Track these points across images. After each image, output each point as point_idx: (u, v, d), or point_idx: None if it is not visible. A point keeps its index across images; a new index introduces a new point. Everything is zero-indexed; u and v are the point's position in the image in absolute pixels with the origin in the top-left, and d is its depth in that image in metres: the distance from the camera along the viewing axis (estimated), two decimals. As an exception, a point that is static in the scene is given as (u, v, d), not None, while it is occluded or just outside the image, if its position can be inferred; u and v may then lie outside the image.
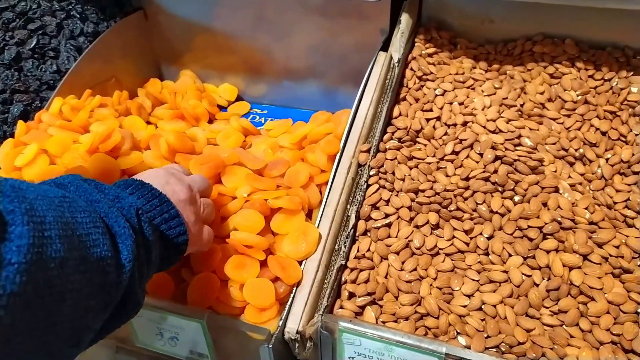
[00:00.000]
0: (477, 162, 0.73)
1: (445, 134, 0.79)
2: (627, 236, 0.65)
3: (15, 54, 0.98)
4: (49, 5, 1.05)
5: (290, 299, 0.65)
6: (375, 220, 0.72)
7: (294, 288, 0.66)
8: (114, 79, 1.04)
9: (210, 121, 1.05)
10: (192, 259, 0.68)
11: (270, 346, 0.61)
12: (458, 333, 0.60)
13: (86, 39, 1.03)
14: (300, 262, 0.68)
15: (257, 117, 1.12)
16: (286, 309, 0.64)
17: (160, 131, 0.85)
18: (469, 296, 0.63)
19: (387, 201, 0.73)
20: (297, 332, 0.63)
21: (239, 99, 1.16)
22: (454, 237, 0.68)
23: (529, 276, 0.63)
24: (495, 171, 0.71)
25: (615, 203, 0.70)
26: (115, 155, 0.76)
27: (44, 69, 0.99)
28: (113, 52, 1.04)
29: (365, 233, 0.72)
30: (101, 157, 0.74)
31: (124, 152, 0.76)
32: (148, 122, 0.99)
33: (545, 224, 0.66)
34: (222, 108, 1.13)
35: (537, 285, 0.63)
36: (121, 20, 1.06)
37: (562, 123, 0.80)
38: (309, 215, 0.75)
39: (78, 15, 1.04)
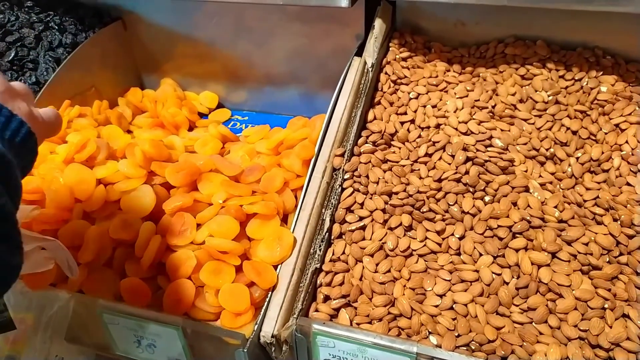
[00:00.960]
0: (450, 164, 0.74)
1: (419, 136, 0.80)
2: (596, 233, 0.67)
3: (-6, 66, 0.99)
4: (27, 17, 1.05)
5: (266, 303, 0.66)
6: (350, 223, 0.72)
7: (270, 292, 0.67)
8: (93, 89, 1.04)
9: (191, 129, 1.05)
10: (167, 265, 0.69)
11: (245, 350, 0.62)
12: (430, 333, 0.61)
13: (65, 50, 1.03)
14: (275, 267, 0.69)
15: (238, 124, 1.12)
16: (261, 313, 0.65)
17: (136, 140, 0.85)
18: (440, 296, 0.64)
19: (362, 204, 0.74)
20: (273, 336, 0.63)
21: (220, 106, 1.17)
22: (426, 238, 0.69)
23: (499, 275, 0.64)
24: (467, 172, 0.72)
25: (585, 201, 0.71)
26: (91, 164, 0.76)
27: (23, 80, 1.00)
28: (92, 62, 1.05)
29: (340, 236, 0.73)
30: (77, 167, 0.74)
31: (99, 161, 0.77)
32: (129, 131, 0.99)
33: (515, 223, 0.67)
34: (204, 115, 1.13)
35: (507, 283, 0.64)
36: (99, 30, 1.06)
37: (533, 123, 0.81)
38: (285, 220, 0.76)
39: (56, 27, 1.05)
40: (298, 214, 0.73)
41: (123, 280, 0.69)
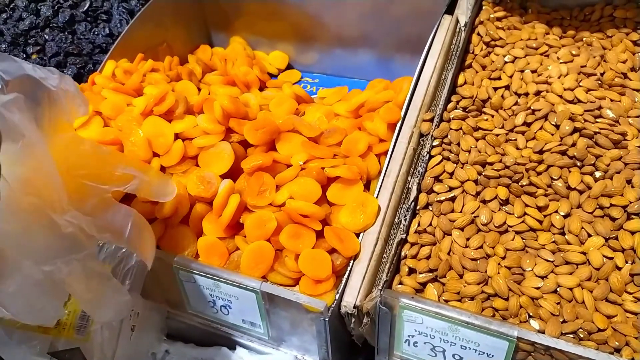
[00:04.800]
0: (553, 135, 0.67)
1: (516, 103, 0.73)
2: None
3: (69, 16, 0.98)
4: (101, -33, 1.03)
5: (348, 272, 0.62)
6: (438, 193, 0.67)
7: (352, 261, 0.63)
8: (165, 44, 1.02)
9: (261, 89, 1.02)
10: (246, 226, 0.66)
11: (327, 319, 0.59)
12: (530, 316, 0.56)
13: (138, 2, 1.01)
14: (357, 235, 0.65)
15: (309, 86, 1.08)
16: (343, 282, 0.62)
17: (213, 95, 0.82)
18: (542, 277, 0.58)
19: (451, 174, 0.69)
20: (355, 307, 0.60)
21: (289, 67, 1.13)
22: (525, 214, 0.63)
23: (611, 258, 0.58)
24: (574, 144, 0.65)
25: None
26: (169, 118, 0.74)
27: (97, 32, 0.98)
28: (164, 16, 1.02)
29: (426, 207, 0.68)
30: (155, 120, 0.72)
31: (177, 115, 0.74)
32: (199, 89, 0.97)
33: (630, 202, 0.60)
34: (273, 76, 1.09)
35: (620, 268, 0.57)
36: (173, -17, 1.03)
37: (647, 94, 0.72)
38: (367, 186, 0.71)
39: (130, -22, 1.03)
40: (382, 181, 0.68)
41: (200, 238, 0.67)
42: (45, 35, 0.96)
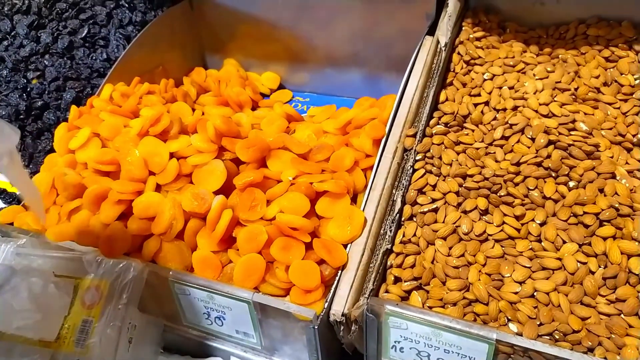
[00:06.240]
0: (529, 147, 0.71)
1: (494, 118, 0.77)
2: (691, 225, 0.62)
3: (68, 43, 1.02)
4: (99, -4, 1.08)
5: (336, 282, 0.65)
6: (422, 205, 0.70)
7: (340, 271, 0.66)
8: (161, 67, 1.06)
9: (254, 108, 1.05)
10: (238, 240, 0.69)
11: (316, 327, 0.61)
12: (509, 320, 0.59)
13: (134, 28, 1.05)
14: (345, 246, 0.68)
15: (300, 105, 1.12)
16: (331, 291, 0.64)
17: (206, 116, 0.86)
18: (520, 283, 0.61)
19: (434, 186, 0.72)
20: (343, 315, 0.62)
21: (281, 87, 1.17)
22: (504, 222, 0.66)
23: (585, 263, 0.61)
24: (549, 156, 0.69)
25: (677, 190, 0.66)
26: (164, 138, 0.77)
27: (95, 57, 1.02)
28: (160, 41, 1.06)
29: (411, 218, 0.71)
30: (151, 140, 0.75)
31: (172, 135, 0.78)
32: (193, 110, 1.00)
33: (602, 210, 0.63)
34: (265, 96, 1.13)
35: (593, 273, 0.60)
36: (168, 9, 1.08)
37: (618, 108, 0.76)
38: (354, 200, 0.74)
39: (127, 5, 1.07)
40: (368, 194, 0.72)
41: (195, 252, 0.70)
42: (45, 61, 1.00)
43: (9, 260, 0.70)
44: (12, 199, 0.89)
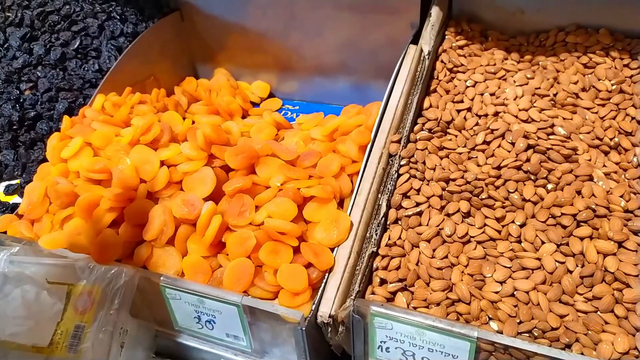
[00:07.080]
0: (509, 152, 0.73)
1: (476, 124, 0.79)
2: (665, 224, 0.64)
3: (60, 54, 1.04)
4: (90, 8, 1.10)
5: (323, 285, 0.67)
6: (406, 208, 0.72)
7: (327, 274, 0.68)
8: (152, 78, 1.08)
9: (244, 117, 1.07)
10: (227, 245, 0.70)
11: (304, 329, 0.63)
12: (490, 318, 0.61)
13: (126, 39, 1.07)
14: (332, 249, 0.70)
15: (289, 113, 1.14)
16: (319, 293, 0.66)
17: (197, 124, 0.88)
18: (501, 283, 0.63)
19: (418, 190, 0.74)
20: (330, 316, 0.64)
21: (271, 95, 1.19)
22: (485, 225, 0.68)
23: (563, 263, 0.63)
24: (528, 160, 0.71)
25: (652, 192, 0.69)
26: (155, 147, 0.79)
27: (87, 68, 1.04)
28: (151, 51, 1.08)
29: (396, 221, 0.73)
30: (142, 149, 0.77)
31: (163, 143, 0.79)
32: (184, 119, 1.02)
33: (579, 211, 0.65)
34: (255, 104, 1.16)
35: (571, 272, 0.62)
36: (159, 20, 1.10)
37: (596, 112, 0.79)
38: (341, 205, 0.76)
39: (118, 17, 1.09)
40: (354, 199, 0.74)
41: (185, 257, 0.71)
42: (37, 73, 1.02)
43: (3, 268, 0.71)
44: (6, 208, 0.90)
